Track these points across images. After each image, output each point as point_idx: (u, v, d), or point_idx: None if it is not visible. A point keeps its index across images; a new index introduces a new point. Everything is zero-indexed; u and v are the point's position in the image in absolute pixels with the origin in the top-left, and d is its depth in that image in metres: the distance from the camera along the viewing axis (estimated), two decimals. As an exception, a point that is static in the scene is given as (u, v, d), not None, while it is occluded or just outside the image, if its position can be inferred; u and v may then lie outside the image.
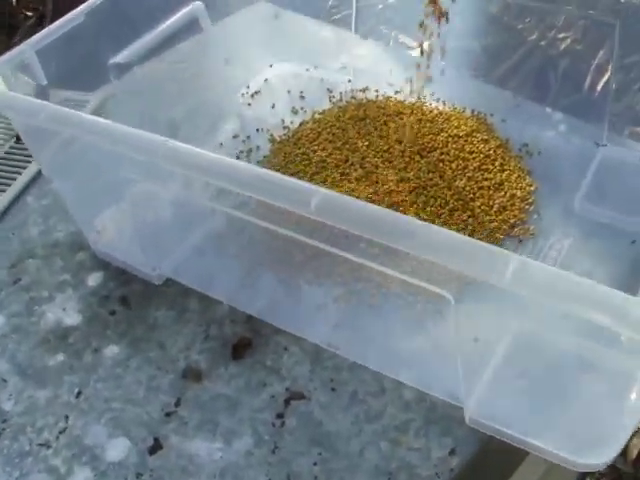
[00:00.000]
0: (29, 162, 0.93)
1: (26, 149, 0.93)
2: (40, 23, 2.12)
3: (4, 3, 2.12)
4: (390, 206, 0.74)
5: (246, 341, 0.72)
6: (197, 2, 0.87)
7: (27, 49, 0.75)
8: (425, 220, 0.74)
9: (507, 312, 0.57)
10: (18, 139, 0.97)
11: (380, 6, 0.97)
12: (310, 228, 0.56)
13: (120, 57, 0.81)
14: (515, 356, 0.61)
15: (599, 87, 0.85)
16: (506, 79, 0.92)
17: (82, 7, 0.79)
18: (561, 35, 0.87)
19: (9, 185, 0.91)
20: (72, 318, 0.76)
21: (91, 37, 0.80)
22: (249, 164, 0.58)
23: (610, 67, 0.83)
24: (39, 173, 0.91)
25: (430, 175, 0.80)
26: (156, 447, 0.66)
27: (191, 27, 0.90)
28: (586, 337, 0.53)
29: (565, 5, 0.85)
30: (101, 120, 0.63)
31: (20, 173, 0.92)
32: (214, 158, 0.57)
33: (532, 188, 0.81)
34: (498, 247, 0.49)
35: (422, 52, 0.81)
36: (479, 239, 0.73)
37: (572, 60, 0.88)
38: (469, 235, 0.75)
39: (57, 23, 0.77)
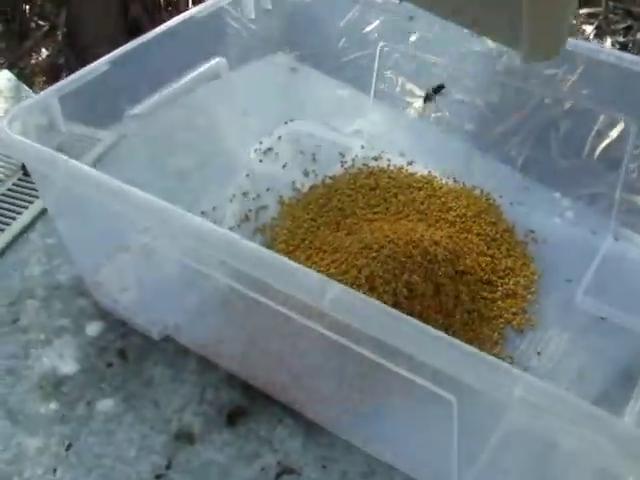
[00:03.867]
0: (36, 197, 0.93)
1: (33, 183, 0.92)
2: (52, 33, 2.13)
3: (16, 11, 2.13)
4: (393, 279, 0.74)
5: (241, 409, 0.72)
6: (219, 58, 0.87)
7: (50, 95, 0.75)
8: (432, 302, 0.74)
9: (504, 411, 0.58)
10: (25, 172, 0.96)
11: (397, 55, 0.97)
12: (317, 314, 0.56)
13: (137, 109, 0.81)
14: (508, 448, 0.61)
15: (609, 157, 0.85)
16: (515, 153, 0.92)
17: (107, 57, 0.79)
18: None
19: (14, 219, 0.90)
20: (68, 366, 0.76)
21: (112, 86, 0.80)
22: (261, 247, 0.58)
23: (622, 137, 0.83)
24: (46, 210, 0.91)
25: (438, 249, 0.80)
26: (144, 510, 0.66)
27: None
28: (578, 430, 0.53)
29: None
30: (112, 182, 0.63)
31: (26, 207, 0.92)
32: (230, 238, 0.58)
33: (535, 277, 0.82)
34: (507, 364, 0.50)
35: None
36: (482, 326, 0.75)
37: (580, 126, 0.88)
38: (472, 322, 0.75)
39: (81, 71, 0.78)
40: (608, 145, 0.84)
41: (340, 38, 0.96)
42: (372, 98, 0.96)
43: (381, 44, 0.92)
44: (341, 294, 0.54)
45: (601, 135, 0.85)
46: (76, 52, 1.93)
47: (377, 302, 0.53)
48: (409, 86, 0.95)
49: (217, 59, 0.87)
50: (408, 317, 0.52)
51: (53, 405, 0.73)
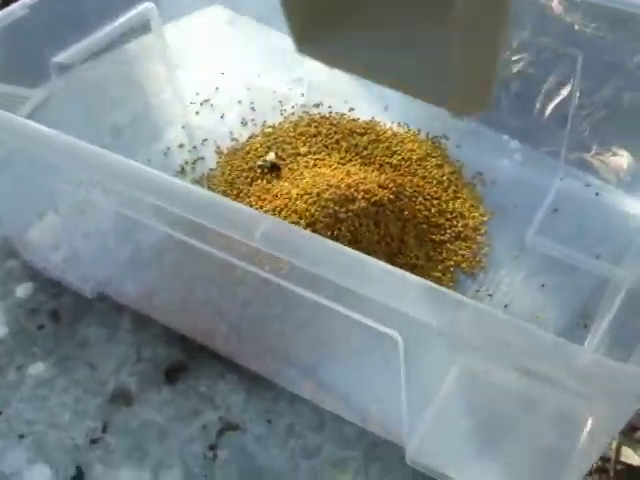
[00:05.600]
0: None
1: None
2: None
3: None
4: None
5: (179, 365, 0.68)
6: (148, 3, 0.83)
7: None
8: (378, 247, 0.71)
9: (454, 350, 0.55)
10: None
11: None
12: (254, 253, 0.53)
13: (63, 56, 0.76)
14: (458, 396, 0.58)
15: (557, 116, 0.83)
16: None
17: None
18: (516, 57, 0.85)
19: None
20: (-4, 330, 0.72)
21: (34, 32, 0.75)
22: (190, 185, 0.54)
23: (569, 97, 0.81)
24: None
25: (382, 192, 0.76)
26: (79, 476, 0.62)
27: (141, 28, 0.86)
28: (531, 377, 0.50)
29: (520, 31, 0.83)
30: (36, 126, 0.59)
31: (-49, 171, 0.87)
32: (158, 176, 0.54)
33: (485, 218, 0.79)
34: (450, 290, 0.47)
35: None
36: (430, 269, 0.72)
37: (529, 87, 0.86)
38: (421, 266, 0.72)
39: (-2, 15, 0.73)
40: (554, 82, 0.82)
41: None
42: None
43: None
44: (273, 226, 0.50)
45: (546, 70, 0.82)
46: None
47: (310, 233, 0.50)
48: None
49: (146, 4, 0.83)
50: (343, 246, 0.49)
51: (-19, 372, 0.69)
